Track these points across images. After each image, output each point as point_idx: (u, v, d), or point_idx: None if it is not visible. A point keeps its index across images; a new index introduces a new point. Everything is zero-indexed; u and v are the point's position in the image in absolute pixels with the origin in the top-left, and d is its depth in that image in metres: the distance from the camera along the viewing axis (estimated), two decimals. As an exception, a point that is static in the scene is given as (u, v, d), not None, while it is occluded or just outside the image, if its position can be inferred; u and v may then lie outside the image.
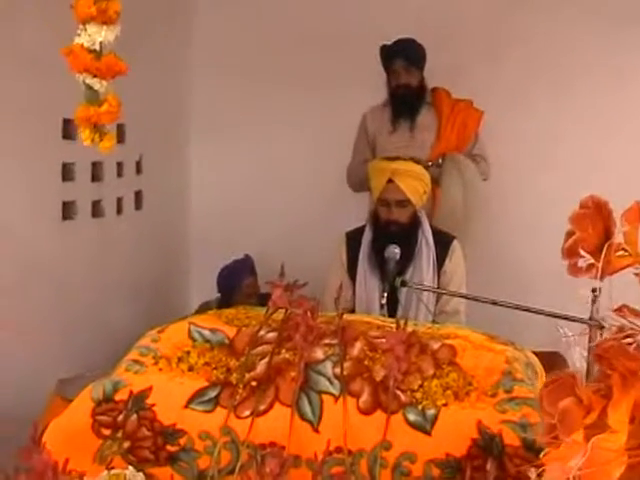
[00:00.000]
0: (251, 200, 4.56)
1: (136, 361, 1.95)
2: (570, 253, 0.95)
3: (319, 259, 3.51)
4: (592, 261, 0.92)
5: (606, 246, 0.91)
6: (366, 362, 1.87)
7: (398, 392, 1.80)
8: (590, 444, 0.82)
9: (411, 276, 3.11)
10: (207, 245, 4.57)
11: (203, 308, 3.75)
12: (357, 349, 1.89)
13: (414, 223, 3.21)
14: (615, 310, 0.96)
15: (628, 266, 0.96)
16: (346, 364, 1.86)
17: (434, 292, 3.12)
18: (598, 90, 4.15)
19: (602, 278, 0.94)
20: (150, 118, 3.89)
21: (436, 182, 3.76)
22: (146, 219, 3.95)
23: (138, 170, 3.86)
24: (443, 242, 3.25)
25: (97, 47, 1.63)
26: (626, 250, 0.95)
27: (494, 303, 2.48)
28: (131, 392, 1.90)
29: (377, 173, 3.23)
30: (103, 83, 1.65)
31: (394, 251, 2.98)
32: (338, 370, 1.85)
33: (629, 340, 0.91)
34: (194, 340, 1.99)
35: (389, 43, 3.82)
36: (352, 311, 3.10)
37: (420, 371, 1.84)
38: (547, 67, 4.19)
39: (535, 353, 2.13)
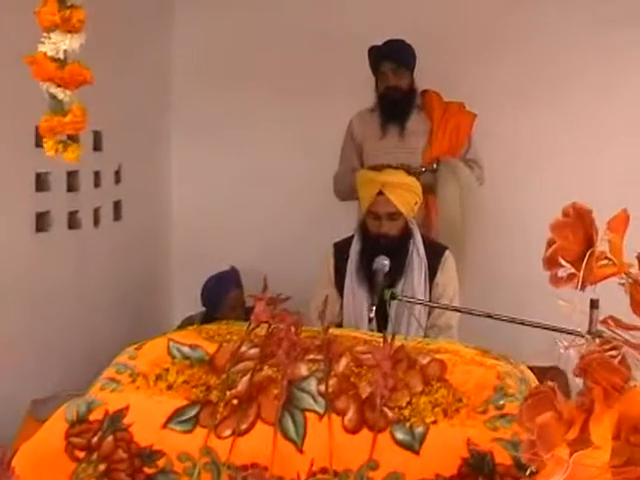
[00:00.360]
0: (236, 210, 4.57)
1: (112, 379, 1.96)
2: (550, 263, 0.97)
3: (307, 271, 3.53)
4: (573, 271, 0.94)
5: (587, 255, 0.93)
6: (352, 379, 1.88)
7: (385, 409, 1.81)
8: (572, 460, 0.84)
9: (402, 289, 3.12)
10: (190, 257, 4.58)
11: (186, 323, 3.75)
12: (343, 365, 1.91)
13: (405, 234, 3.23)
14: (601, 321, 0.98)
15: (612, 275, 0.98)
16: (331, 381, 1.87)
17: (425, 305, 3.13)
18: (595, 92, 4.19)
19: (583, 288, 0.96)
20: (129, 125, 3.91)
21: (430, 189, 3.79)
22: (125, 230, 3.96)
23: (117, 179, 3.87)
24: (435, 253, 3.27)
25: (61, 56, 1.64)
26: (610, 259, 0.97)
27: (488, 316, 2.51)
28: (107, 412, 1.90)
29: (366, 185, 3.25)
30: (67, 93, 1.66)
31: (383, 262, 3.00)
32: (323, 387, 1.86)
33: (613, 353, 0.93)
34: (173, 357, 2.00)
35: (378, 44, 3.86)
36: (340, 326, 3.11)
37: (408, 387, 1.85)
38: (542, 69, 4.22)
39: (532, 368, 2.14)
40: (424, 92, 3.97)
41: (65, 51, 1.63)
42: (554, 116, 4.21)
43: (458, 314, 3.17)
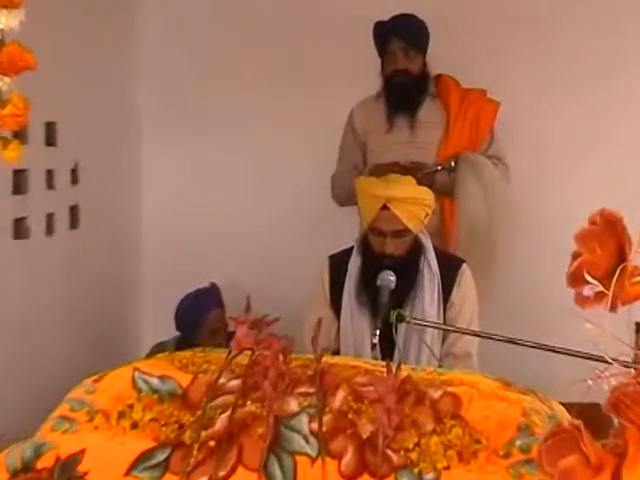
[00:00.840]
0: (216, 218, 4.60)
1: (65, 418, 1.97)
2: (575, 279, 0.97)
3: (299, 288, 3.55)
4: (601, 289, 0.95)
5: (619, 270, 0.93)
6: (350, 415, 1.88)
7: (389, 452, 1.82)
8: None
9: (410, 309, 3.13)
10: (163, 272, 4.60)
11: (157, 350, 3.75)
12: (339, 399, 1.91)
13: (415, 250, 3.24)
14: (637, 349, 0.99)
15: (648, 294, 0.99)
16: (325, 418, 1.88)
17: (439, 329, 3.14)
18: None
19: (614, 309, 0.97)
20: (90, 117, 3.93)
21: (447, 192, 3.81)
22: (84, 240, 3.96)
23: (73, 180, 3.87)
24: (450, 267, 3.28)
25: (-4, 35, 1.63)
26: (646, 275, 0.98)
27: (512, 342, 2.53)
28: (58, 457, 1.90)
29: (367, 198, 3.25)
30: (5, 80, 1.65)
31: (389, 278, 3.01)
32: (316, 425, 1.86)
33: (651, 385, 0.93)
34: (139, 390, 2.00)
35: (384, 19, 3.87)
36: (337, 353, 3.12)
37: (416, 426, 1.85)
38: (577, 54, 4.25)
39: (567, 405, 2.14)
40: (438, 77, 3.99)
41: (2, 30, 1.63)
42: (590, 108, 4.24)
43: (477, 339, 3.18)
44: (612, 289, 0.95)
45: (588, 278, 0.97)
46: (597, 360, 1.04)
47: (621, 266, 0.95)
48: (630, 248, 0.96)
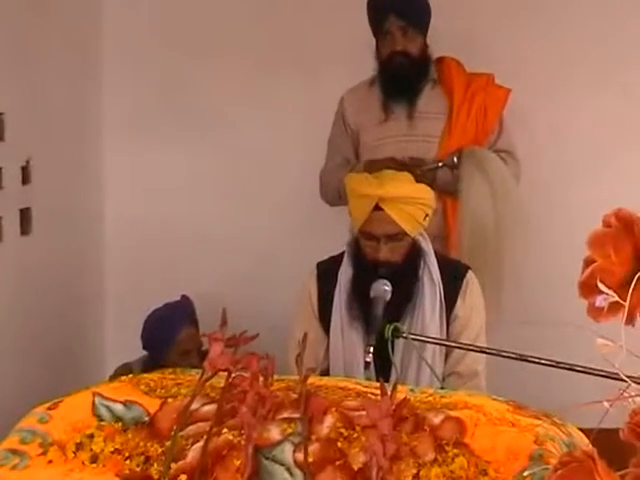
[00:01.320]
0: (188, 223, 4.61)
1: (14, 451, 1.97)
2: (588, 289, 0.98)
3: (282, 301, 3.55)
4: (616, 299, 0.95)
5: (636, 278, 0.94)
6: (340, 444, 1.89)
7: (384, 485, 1.83)
8: None
9: (409, 323, 3.14)
10: (128, 284, 4.61)
11: (122, 372, 3.76)
12: (327, 426, 1.92)
13: (413, 256, 3.24)
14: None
15: (670, 305, 0.99)
16: (312, 447, 1.88)
17: (441, 345, 3.15)
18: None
19: (631, 322, 0.98)
20: (43, 109, 3.94)
21: (451, 190, 3.83)
22: (37, 247, 3.96)
23: (25, 179, 3.87)
24: (453, 275, 3.29)
25: None
26: (669, 284, 0.98)
27: (524, 359, 2.53)
28: (5, 498, 1.91)
29: (358, 198, 3.23)
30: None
31: (384, 288, 3.01)
32: (301, 456, 1.87)
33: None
34: (100, 418, 2.01)
35: None
36: (326, 373, 3.13)
37: (415, 455, 1.86)
38: (594, 37, 4.26)
39: (587, 431, 2.15)
40: (440, 60, 4.00)
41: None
42: (614, 96, 4.26)
43: (485, 356, 3.18)
44: (629, 299, 0.95)
45: (602, 287, 0.97)
46: (611, 378, 1.04)
47: (639, 274, 0.96)
48: (650, 253, 0.97)
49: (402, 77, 3.88)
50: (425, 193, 3.27)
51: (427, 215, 3.25)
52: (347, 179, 3.41)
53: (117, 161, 4.64)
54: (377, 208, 3.15)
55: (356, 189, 3.28)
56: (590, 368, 2.32)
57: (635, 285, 0.96)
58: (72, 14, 4.25)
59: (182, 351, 3.90)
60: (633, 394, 1.01)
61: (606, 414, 1.04)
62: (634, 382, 0.99)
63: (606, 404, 0.99)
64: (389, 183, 3.24)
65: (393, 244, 3.18)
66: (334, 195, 3.88)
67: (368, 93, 3.98)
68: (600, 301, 0.98)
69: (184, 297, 4.12)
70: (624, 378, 0.98)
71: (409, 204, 3.19)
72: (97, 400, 2.04)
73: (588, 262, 1.00)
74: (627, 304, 0.96)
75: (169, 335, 3.92)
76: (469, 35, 4.15)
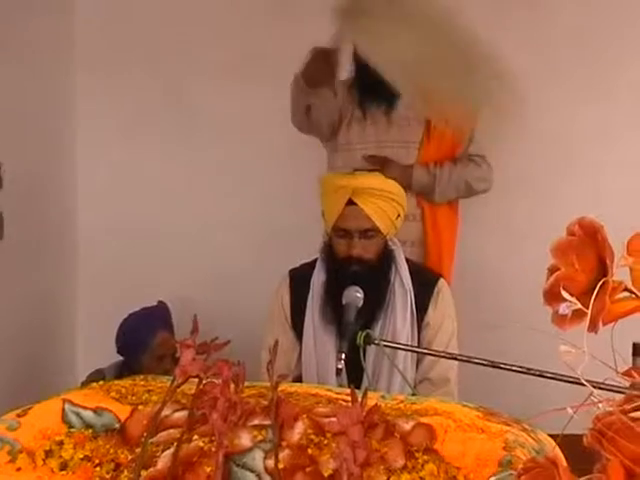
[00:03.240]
0: (164, 227, 4.60)
1: (-17, 458, 1.95)
2: (552, 296, 0.99)
3: (256, 307, 3.55)
4: (579, 306, 0.96)
5: (599, 286, 0.95)
6: (310, 450, 1.88)
7: (355, 492, 1.82)
8: None
9: (381, 330, 3.15)
10: (102, 289, 4.60)
11: (95, 378, 3.73)
12: (298, 433, 1.91)
13: (384, 259, 3.26)
14: (622, 373, 1.01)
15: (632, 312, 1.00)
16: (282, 454, 1.88)
17: (413, 352, 3.16)
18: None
19: (594, 329, 0.98)
20: (15, 114, 3.91)
21: (429, 194, 3.90)
22: (9, 252, 3.95)
23: (-5, 184, 3.86)
24: (424, 282, 3.30)
25: None
26: (631, 291, 0.99)
27: (495, 366, 2.54)
28: (-25, 505, 1.89)
29: (331, 192, 3.27)
30: None
31: (355, 295, 3.02)
32: (271, 462, 1.86)
33: (638, 415, 0.95)
34: (70, 425, 1.99)
35: None
36: (299, 380, 3.13)
37: (385, 462, 1.86)
38: (575, 36, 4.28)
39: (557, 437, 2.15)
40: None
41: None
42: (599, 97, 4.29)
43: (457, 363, 3.20)
44: (591, 307, 0.96)
45: (565, 295, 0.98)
46: (580, 384, 1.05)
47: (601, 281, 0.96)
48: (612, 261, 0.98)
49: (383, 80, 3.88)
50: (397, 189, 3.31)
51: (399, 215, 3.28)
52: (321, 180, 3.43)
53: (91, 166, 4.63)
54: (350, 203, 3.18)
55: (330, 184, 3.33)
56: (560, 374, 2.34)
57: (597, 293, 0.96)
58: (44, 17, 4.23)
59: (157, 356, 3.89)
60: (597, 400, 1.01)
61: (570, 420, 1.05)
62: (598, 388, 1.00)
63: (570, 410, 1.00)
64: (362, 176, 3.32)
65: (366, 241, 3.21)
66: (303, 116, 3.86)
67: (346, 93, 3.95)
68: (564, 308, 0.99)
69: (160, 302, 4.11)
70: (585, 384, 0.99)
71: (381, 198, 3.22)
72: (67, 407, 2.03)
73: (552, 270, 1.01)
74: (590, 311, 0.97)
75: (145, 339, 3.91)
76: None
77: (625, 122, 4.36)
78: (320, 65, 3.69)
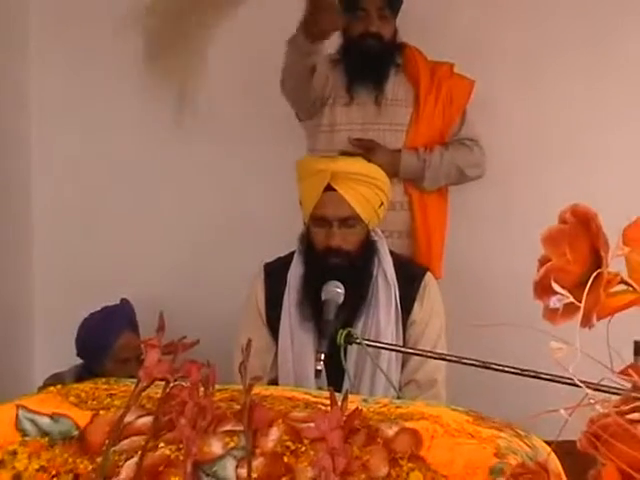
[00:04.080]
0: (129, 221, 4.60)
1: None
2: (542, 289, 0.99)
3: (228, 304, 3.56)
4: (571, 300, 0.96)
5: (592, 278, 0.95)
6: (286, 458, 1.89)
7: (334, 503, 1.83)
8: None
9: (363, 328, 3.16)
10: (60, 287, 4.59)
11: (53, 382, 3.72)
12: (273, 439, 1.92)
13: (366, 251, 3.27)
14: (619, 372, 1.01)
15: (629, 306, 1.01)
16: (256, 462, 1.88)
17: (398, 352, 3.17)
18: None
19: (587, 324, 0.99)
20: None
21: (417, 178, 3.95)
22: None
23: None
24: (409, 277, 3.32)
25: None
26: (628, 284, 1.00)
27: (486, 367, 2.56)
28: None
29: (309, 177, 3.28)
30: None
31: (335, 291, 3.03)
32: (244, 471, 1.86)
33: (636, 416, 0.95)
34: (24, 433, 1.99)
35: None
36: (274, 382, 3.14)
37: (367, 470, 1.87)
38: (570, 27, 4.31)
39: (552, 443, 2.16)
40: (402, 46, 4.06)
41: None
42: (583, 89, 4.33)
43: (445, 364, 3.21)
44: (584, 300, 0.96)
45: (556, 288, 0.98)
46: (577, 386, 1.05)
47: (595, 273, 0.97)
48: (607, 252, 0.98)
49: (372, 60, 3.92)
50: (380, 174, 3.32)
51: (382, 203, 3.29)
52: (298, 163, 3.45)
53: (44, 153, 4.63)
54: (329, 189, 3.19)
55: (308, 166, 3.35)
56: (556, 375, 2.35)
57: (591, 285, 0.97)
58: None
59: (120, 359, 3.89)
60: (593, 402, 1.02)
61: (566, 424, 1.05)
62: (593, 389, 1.00)
63: (563, 413, 1.00)
64: (342, 159, 3.38)
65: (346, 230, 3.22)
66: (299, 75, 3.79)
67: (331, 70, 3.98)
68: (555, 302, 0.99)
69: (124, 300, 4.11)
70: (579, 384, 1.00)
71: (362, 184, 3.23)
72: (21, 413, 2.02)
73: (543, 261, 1.01)
74: (583, 305, 0.97)
75: (106, 341, 3.91)
76: (428, 24, 4.17)
77: (620, 112, 4.40)
78: (322, 14, 3.62)
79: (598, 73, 4.40)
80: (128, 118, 4.58)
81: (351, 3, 3.90)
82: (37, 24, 4.58)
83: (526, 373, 2.47)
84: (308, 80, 3.76)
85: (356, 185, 3.23)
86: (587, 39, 4.34)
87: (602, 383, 1.08)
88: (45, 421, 2.00)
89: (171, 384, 1.95)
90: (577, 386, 1.06)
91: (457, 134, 4.04)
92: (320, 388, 2.78)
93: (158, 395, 1.96)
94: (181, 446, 1.89)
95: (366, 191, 3.24)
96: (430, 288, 3.33)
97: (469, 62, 4.07)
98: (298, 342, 3.25)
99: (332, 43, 3.93)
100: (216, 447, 1.90)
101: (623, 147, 4.40)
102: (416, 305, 3.28)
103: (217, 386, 1.96)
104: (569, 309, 0.98)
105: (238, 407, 1.95)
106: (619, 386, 1.09)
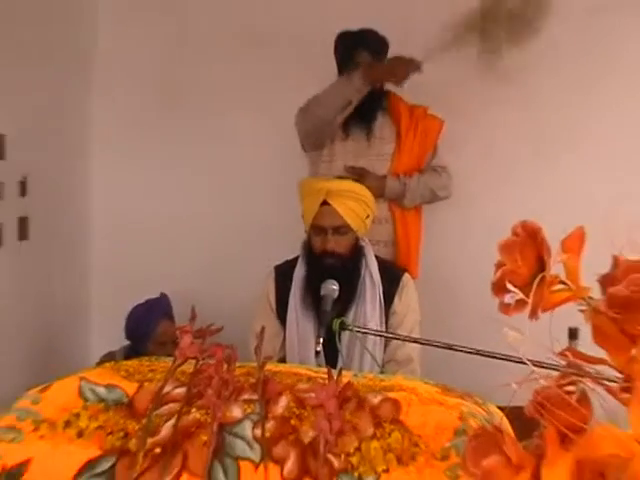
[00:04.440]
0: (168, 228, 4.61)
1: (11, 427, 1.94)
2: (499, 288, 1.01)
3: (248, 298, 3.55)
4: (521, 296, 0.98)
5: (538, 279, 0.97)
6: (292, 421, 1.88)
7: (330, 457, 1.82)
8: (523, 509, 0.87)
9: (353, 318, 3.16)
10: (112, 282, 4.59)
11: (106, 359, 3.73)
12: (282, 406, 1.91)
13: (356, 254, 3.27)
14: (558, 354, 1.02)
15: (566, 301, 1.02)
16: (268, 424, 1.88)
17: (381, 336, 3.17)
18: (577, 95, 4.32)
19: (534, 316, 1.00)
20: (40, 132, 3.91)
21: (399, 200, 3.93)
22: (34, 251, 3.94)
23: (22, 192, 3.85)
24: (392, 276, 3.31)
25: None
26: (565, 284, 1.01)
27: (450, 348, 2.55)
28: (4, 467, 1.88)
29: (309, 194, 3.30)
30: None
31: (331, 287, 3.02)
32: (259, 432, 1.86)
33: (572, 388, 0.96)
34: (85, 399, 1.99)
35: (350, 30, 3.91)
36: (283, 361, 3.14)
37: (357, 431, 1.86)
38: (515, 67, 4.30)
39: (506, 409, 2.16)
40: (387, 93, 4.06)
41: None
42: (517, 131, 4.35)
43: (419, 347, 3.21)
44: (532, 297, 0.98)
45: (510, 287, 1.00)
46: (523, 363, 1.06)
47: (540, 275, 0.98)
48: (549, 258, 1.00)
49: (363, 105, 3.90)
50: (365, 192, 3.34)
51: (368, 215, 3.31)
52: (300, 184, 3.47)
53: (103, 179, 4.64)
54: (325, 203, 3.20)
55: (308, 186, 3.37)
56: (507, 355, 2.35)
57: (537, 285, 0.98)
58: (65, 51, 4.23)
59: (159, 342, 3.89)
60: (537, 377, 1.03)
61: (514, 394, 1.06)
62: (538, 367, 1.01)
63: (514, 385, 1.01)
64: (335, 180, 3.42)
65: (339, 236, 3.23)
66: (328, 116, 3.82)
67: None
68: (508, 298, 1.01)
69: (162, 294, 4.11)
70: (527, 363, 1.01)
71: (351, 199, 3.25)
72: (83, 384, 2.02)
73: (499, 266, 1.02)
74: (530, 301, 0.98)
75: (148, 328, 3.91)
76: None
77: (555, 144, 4.41)
78: (388, 68, 3.75)
79: (531, 106, 4.40)
80: (167, 143, 4.58)
81: (346, 59, 3.91)
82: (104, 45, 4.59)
83: (484, 353, 2.46)
84: (341, 112, 3.78)
85: (346, 200, 3.24)
86: (519, 74, 4.31)
87: (544, 362, 1.08)
88: (101, 390, 2.00)
89: (200, 362, 1.95)
90: (525, 364, 1.07)
91: (430, 163, 4.05)
92: (319, 365, 2.77)
93: (190, 370, 1.96)
94: (209, 411, 1.89)
95: (354, 205, 3.25)
96: (408, 287, 3.33)
97: (440, 106, 4.07)
98: (302, 329, 3.25)
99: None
100: (236, 412, 1.90)
101: (555, 172, 4.40)
102: (396, 299, 3.29)
103: (237, 364, 1.96)
104: (519, 304, 1.00)
105: (254, 380, 1.95)
106: (558, 364, 1.09)
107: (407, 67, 3.79)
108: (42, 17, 3.82)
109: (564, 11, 4.05)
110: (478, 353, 2.46)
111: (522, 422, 1.20)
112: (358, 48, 3.88)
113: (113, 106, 4.58)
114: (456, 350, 2.52)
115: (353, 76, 3.76)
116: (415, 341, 3.05)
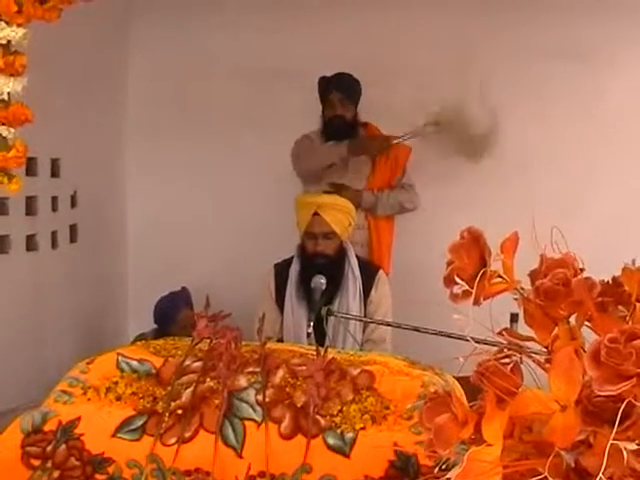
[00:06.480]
0: (189, 233, 4.59)
1: (65, 392, 1.96)
2: (449, 281, 1.03)
3: (252, 290, 3.56)
4: (467, 288, 1.00)
5: (480, 274, 0.99)
6: (287, 389, 1.90)
7: (318, 417, 1.84)
8: (466, 456, 0.89)
9: (338, 306, 3.17)
10: (144, 277, 4.58)
11: (139, 339, 3.73)
12: (279, 377, 1.93)
13: (340, 254, 3.29)
14: (497, 333, 1.04)
15: (502, 291, 1.04)
16: (268, 391, 1.89)
17: (360, 321, 3.18)
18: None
19: (477, 303, 1.02)
20: (86, 152, 3.91)
21: (373, 210, 3.92)
22: (81, 252, 3.94)
23: (73, 204, 3.85)
24: (369, 272, 3.33)
25: (5, 97, 1.67)
26: (502, 277, 1.03)
27: (416, 330, 2.57)
28: (60, 422, 1.90)
29: (303, 207, 3.31)
30: (11, 130, 1.69)
31: (320, 281, 3.04)
32: (260, 397, 1.88)
33: (507, 361, 0.98)
34: (122, 371, 2.00)
35: (328, 75, 3.92)
36: (281, 341, 3.14)
37: (339, 396, 1.88)
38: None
39: (459, 378, 2.18)
40: (365, 124, 4.05)
41: (9, 93, 1.66)
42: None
43: (391, 329, 3.22)
44: (475, 288, 1.00)
45: (457, 280, 1.01)
46: (468, 341, 1.08)
47: (482, 270, 1.00)
48: (490, 257, 1.01)
49: (339, 134, 3.91)
50: (348, 205, 3.38)
51: (351, 223, 3.34)
52: (296, 199, 3.48)
53: (138, 189, 4.62)
54: (316, 214, 3.22)
55: (302, 200, 3.40)
56: (458, 334, 2.36)
57: (480, 279, 1.00)
58: (105, 88, 4.22)
59: (181, 327, 3.86)
60: (480, 352, 1.05)
61: (462, 366, 1.08)
62: (481, 343, 1.03)
63: (461, 359, 1.03)
64: (324, 195, 3.43)
65: (327, 241, 3.24)
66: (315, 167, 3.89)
67: (317, 139, 3.99)
68: (456, 289, 1.02)
69: (183, 288, 4.10)
70: (471, 341, 1.03)
71: (338, 211, 3.27)
72: (120, 358, 2.04)
73: (449, 263, 1.04)
74: (474, 291, 1.00)
75: (172, 315, 3.90)
76: (382, 107, 4.16)
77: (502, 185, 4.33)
78: (366, 146, 3.86)
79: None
80: (190, 165, 4.58)
81: (324, 98, 3.92)
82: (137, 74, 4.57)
83: (441, 333, 2.48)
84: (326, 169, 3.84)
85: (334, 212, 3.25)
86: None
87: (486, 340, 1.10)
88: (135, 363, 2.01)
89: (214, 341, 1.97)
90: (468, 341, 1.09)
91: (399, 181, 4.05)
92: (310, 344, 2.78)
93: (205, 348, 1.98)
94: (220, 381, 1.90)
95: (340, 216, 3.27)
96: (382, 281, 3.34)
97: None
98: (296, 315, 3.25)
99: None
100: (243, 382, 1.91)
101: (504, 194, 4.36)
102: (373, 291, 3.30)
103: (243, 343, 1.98)
104: (465, 293, 1.02)
105: (256, 356, 1.96)
106: (496, 342, 1.11)
107: (381, 144, 3.90)
108: (83, 47, 3.75)
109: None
110: (437, 333, 2.48)
111: (470, 388, 1.23)
112: (331, 90, 3.90)
113: (145, 130, 4.56)
114: (420, 331, 2.54)
115: (340, 148, 3.83)
116: (388, 324, 3.09)
